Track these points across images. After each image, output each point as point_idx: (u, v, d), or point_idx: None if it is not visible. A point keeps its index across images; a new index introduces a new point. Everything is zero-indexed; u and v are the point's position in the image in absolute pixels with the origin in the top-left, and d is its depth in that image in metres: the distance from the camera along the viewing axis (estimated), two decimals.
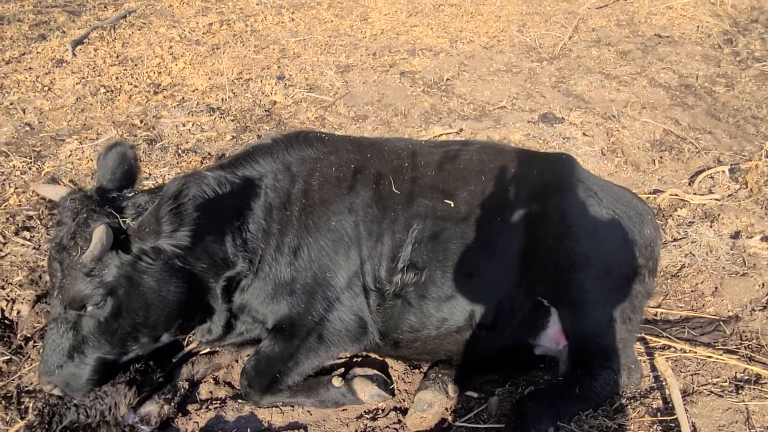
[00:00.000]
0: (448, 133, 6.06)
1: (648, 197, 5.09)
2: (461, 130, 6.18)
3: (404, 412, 3.22)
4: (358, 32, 8.96)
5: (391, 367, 3.56)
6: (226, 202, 3.08)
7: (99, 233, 2.58)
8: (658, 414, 2.99)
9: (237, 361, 3.55)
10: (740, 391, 3.06)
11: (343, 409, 3.23)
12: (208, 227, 2.92)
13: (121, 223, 2.74)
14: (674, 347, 3.46)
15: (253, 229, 3.15)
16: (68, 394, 2.88)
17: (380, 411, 3.25)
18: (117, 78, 6.96)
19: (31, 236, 4.26)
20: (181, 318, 3.03)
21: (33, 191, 4.38)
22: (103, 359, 2.86)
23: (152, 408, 3.02)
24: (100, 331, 2.81)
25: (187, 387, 3.27)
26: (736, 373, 3.23)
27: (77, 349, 2.80)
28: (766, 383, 3.11)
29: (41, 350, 2.92)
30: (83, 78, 6.89)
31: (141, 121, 5.99)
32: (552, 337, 3.29)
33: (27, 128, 5.85)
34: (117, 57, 7.56)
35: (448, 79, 7.47)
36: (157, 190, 3.01)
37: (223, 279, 3.09)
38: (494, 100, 7.02)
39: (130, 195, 2.93)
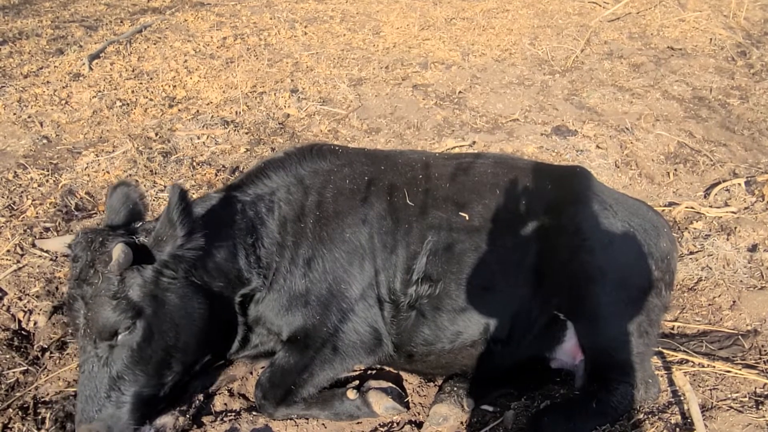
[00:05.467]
0: (461, 146, 6.07)
1: (663, 210, 5.06)
2: (474, 142, 6.19)
3: (419, 425, 3.19)
4: (370, 46, 9.03)
5: (406, 380, 3.55)
6: (237, 220, 3.09)
7: (118, 249, 2.58)
8: (677, 429, 2.94)
9: (251, 372, 3.55)
10: (760, 407, 3.01)
11: (358, 422, 3.22)
12: (218, 246, 2.92)
13: (136, 242, 2.75)
14: (692, 361, 3.41)
15: (267, 244, 3.16)
16: None
17: (395, 424, 3.23)
18: (133, 91, 7.05)
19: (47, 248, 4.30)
20: (210, 340, 3.02)
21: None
22: (140, 394, 2.77)
23: (168, 420, 3.02)
24: (134, 361, 2.72)
25: (201, 399, 3.27)
26: (755, 388, 3.18)
27: (113, 387, 2.70)
28: None
29: (76, 399, 2.76)
30: (99, 91, 6.98)
31: (156, 134, 6.05)
32: (568, 351, 3.26)
33: (44, 141, 5.93)
34: (133, 71, 7.66)
35: (460, 92, 7.50)
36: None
37: (239, 296, 3.10)
38: (507, 112, 7.03)
39: (138, 225, 2.94)
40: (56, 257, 4.20)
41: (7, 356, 3.46)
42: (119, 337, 2.68)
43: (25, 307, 3.79)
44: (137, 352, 2.73)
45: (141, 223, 2.96)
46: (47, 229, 4.48)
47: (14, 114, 6.39)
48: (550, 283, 3.16)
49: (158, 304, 2.75)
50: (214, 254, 2.95)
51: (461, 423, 3.18)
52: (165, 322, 2.78)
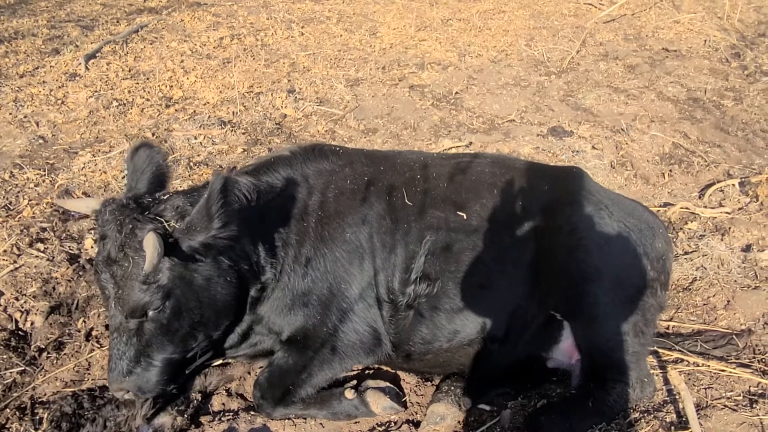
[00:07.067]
0: (457, 146, 6.09)
1: (658, 210, 5.09)
2: (471, 143, 6.21)
3: (417, 424, 3.21)
4: (367, 46, 9.04)
5: (404, 380, 3.56)
6: (255, 207, 3.10)
7: (151, 242, 2.58)
8: (672, 428, 2.97)
9: (249, 372, 3.56)
10: (754, 405, 3.04)
11: (356, 422, 3.23)
12: (242, 230, 2.94)
13: (167, 227, 2.75)
14: (687, 361, 3.44)
15: (276, 237, 3.17)
16: (141, 396, 2.94)
17: (393, 424, 3.25)
18: (129, 91, 7.04)
19: (44, 248, 4.30)
20: (229, 318, 3.09)
21: (52, 203, 4.38)
22: (168, 359, 2.91)
23: (166, 419, 3.03)
24: (162, 333, 2.84)
25: (200, 399, 3.28)
26: (749, 387, 3.21)
27: (143, 354, 2.84)
28: None
29: (108, 360, 2.90)
30: (96, 91, 6.97)
31: (153, 134, 6.05)
32: (565, 350, 3.28)
33: (41, 141, 5.92)
34: (129, 71, 7.65)
35: (457, 93, 7.52)
36: (191, 192, 3.04)
37: (256, 287, 3.12)
38: (503, 113, 7.05)
39: (165, 197, 2.92)
40: (53, 257, 4.20)
41: (4, 356, 3.46)
42: (149, 314, 2.76)
43: (22, 307, 3.79)
44: (165, 327, 2.83)
45: (167, 195, 2.93)
46: (44, 229, 4.48)
47: (10, 114, 6.38)
48: (546, 283, 3.18)
49: (186, 284, 2.81)
50: (239, 238, 2.96)
51: (458, 422, 3.20)
52: (191, 301, 2.85)
